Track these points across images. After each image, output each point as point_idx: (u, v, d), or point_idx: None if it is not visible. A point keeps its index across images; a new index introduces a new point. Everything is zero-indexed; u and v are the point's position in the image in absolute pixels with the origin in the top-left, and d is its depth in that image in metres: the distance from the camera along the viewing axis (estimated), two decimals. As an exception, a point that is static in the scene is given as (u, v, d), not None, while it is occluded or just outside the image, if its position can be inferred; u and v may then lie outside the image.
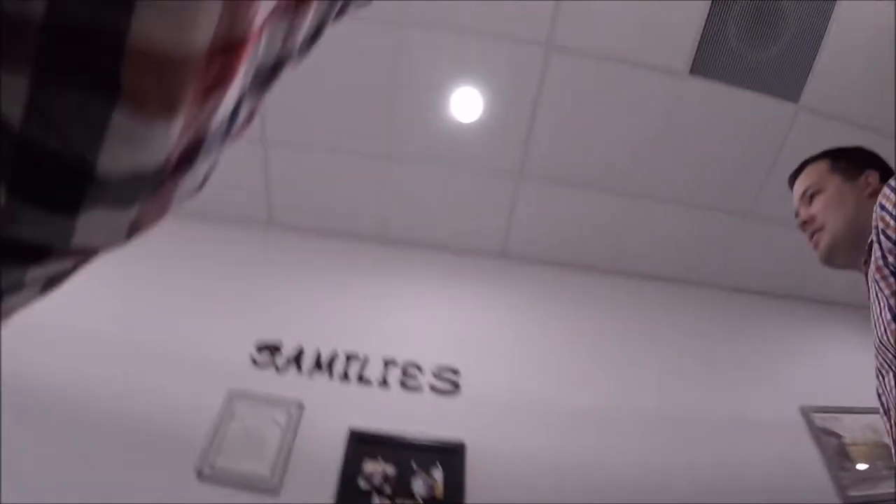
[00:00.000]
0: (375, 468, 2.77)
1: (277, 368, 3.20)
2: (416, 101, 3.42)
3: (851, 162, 1.61)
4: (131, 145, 0.34)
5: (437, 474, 2.74)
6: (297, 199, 3.94)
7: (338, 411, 2.99)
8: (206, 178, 0.47)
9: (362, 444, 2.85)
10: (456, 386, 3.13)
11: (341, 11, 0.54)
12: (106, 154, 0.33)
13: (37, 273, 0.39)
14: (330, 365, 3.22)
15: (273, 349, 3.27)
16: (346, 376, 3.18)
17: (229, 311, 3.44)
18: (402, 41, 3.21)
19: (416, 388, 3.13)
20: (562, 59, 3.22)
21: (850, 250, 1.48)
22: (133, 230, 0.41)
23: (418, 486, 2.71)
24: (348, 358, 3.25)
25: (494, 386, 3.14)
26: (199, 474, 2.70)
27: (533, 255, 3.93)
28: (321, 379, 3.18)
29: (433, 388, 3.13)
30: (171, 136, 0.35)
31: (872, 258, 1.25)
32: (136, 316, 3.35)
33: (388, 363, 3.23)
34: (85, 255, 0.41)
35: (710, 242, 3.81)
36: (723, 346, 3.58)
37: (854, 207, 1.50)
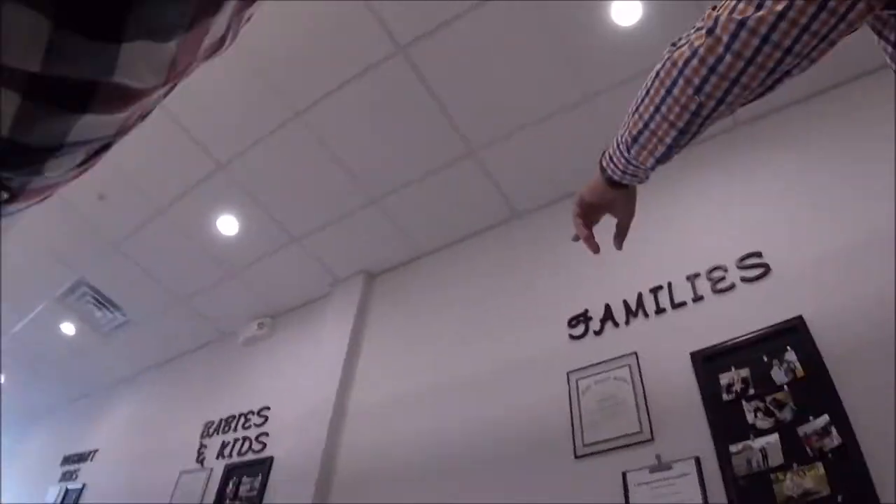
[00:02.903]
0: (731, 377, 2.75)
1: (596, 333, 3.33)
2: (579, 32, 3.37)
3: None
4: None
5: (791, 356, 2.64)
6: (528, 183, 4.12)
7: (671, 343, 3.03)
8: (227, 33, 0.51)
9: (708, 362, 2.86)
10: (765, 268, 3.00)
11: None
12: None
13: (79, 130, 0.43)
14: (641, 306, 3.28)
15: (584, 319, 3.41)
16: (660, 309, 3.21)
17: (527, 308, 3.71)
18: None
19: (730, 288, 3.04)
20: None
21: None
22: (171, 70, 0.45)
23: (778, 374, 2.64)
24: (653, 292, 3.28)
25: (801, 251, 2.92)
26: (577, 455, 2.92)
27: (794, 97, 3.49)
28: (640, 323, 3.25)
29: (745, 280, 3.01)
30: None
31: None
32: (450, 358, 3.76)
33: (691, 278, 3.19)
34: (126, 101, 0.44)
35: None
36: None
37: None
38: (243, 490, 4.13)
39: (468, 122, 3.76)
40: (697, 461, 2.59)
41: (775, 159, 3.35)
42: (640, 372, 3.04)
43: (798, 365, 2.61)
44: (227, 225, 4.55)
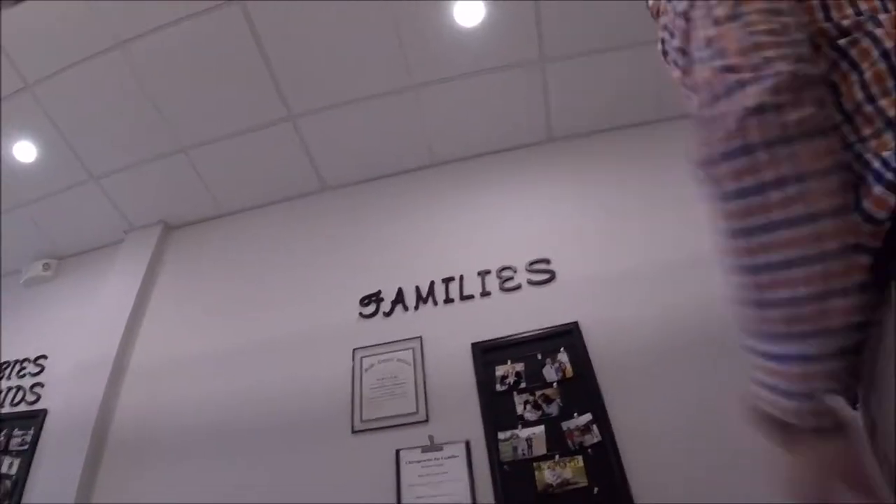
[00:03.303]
0: (507, 370, 2.97)
1: (386, 314, 3.41)
2: (419, 22, 3.41)
3: None
4: None
5: (563, 357, 2.92)
6: (341, 159, 4.09)
7: (455, 332, 3.19)
8: None
9: (487, 354, 3.05)
10: (551, 274, 3.27)
11: None
12: None
13: None
14: (431, 294, 3.41)
15: (376, 299, 3.48)
16: (449, 299, 3.36)
17: (323, 281, 3.68)
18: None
19: (516, 287, 3.28)
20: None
21: None
22: None
23: (549, 372, 2.90)
24: (445, 282, 3.42)
25: (584, 263, 3.24)
26: (354, 430, 2.98)
27: (578, 131, 3.91)
28: (429, 309, 3.37)
29: (531, 283, 3.27)
30: None
31: None
32: (240, 323, 3.65)
33: (482, 274, 3.38)
34: None
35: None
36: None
37: None
38: (14, 443, 3.72)
39: (293, 86, 3.63)
40: (467, 445, 2.76)
41: (582, 180, 3.64)
42: (422, 356, 3.16)
43: (569, 366, 2.87)
44: (25, 151, 4.02)
